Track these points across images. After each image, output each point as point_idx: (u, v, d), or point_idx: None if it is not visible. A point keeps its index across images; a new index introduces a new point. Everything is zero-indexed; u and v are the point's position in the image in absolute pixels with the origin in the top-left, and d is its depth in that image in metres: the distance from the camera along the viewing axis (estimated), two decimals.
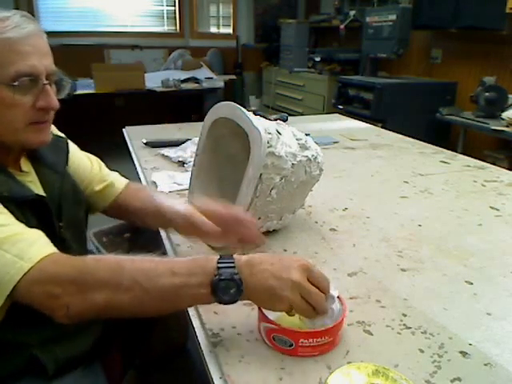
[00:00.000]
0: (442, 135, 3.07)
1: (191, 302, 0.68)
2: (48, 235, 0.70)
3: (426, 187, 1.34)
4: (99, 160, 1.04)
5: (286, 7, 5.14)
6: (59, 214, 0.83)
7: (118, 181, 1.03)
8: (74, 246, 0.85)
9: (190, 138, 1.65)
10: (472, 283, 0.83)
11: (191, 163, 1.10)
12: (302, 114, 4.03)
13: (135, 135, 1.83)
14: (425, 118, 3.15)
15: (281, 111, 3.84)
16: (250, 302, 0.66)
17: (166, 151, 1.57)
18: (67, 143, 0.94)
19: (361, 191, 1.30)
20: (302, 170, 0.94)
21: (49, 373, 0.76)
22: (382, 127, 2.39)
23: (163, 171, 1.39)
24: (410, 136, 1.98)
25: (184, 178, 1.27)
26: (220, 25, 5.46)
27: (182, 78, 4.10)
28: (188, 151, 1.53)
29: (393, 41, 3.37)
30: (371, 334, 0.68)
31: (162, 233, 1.02)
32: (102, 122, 4.09)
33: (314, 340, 0.62)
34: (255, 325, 0.68)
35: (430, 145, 1.85)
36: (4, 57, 0.69)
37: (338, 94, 3.67)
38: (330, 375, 0.58)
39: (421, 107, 3.24)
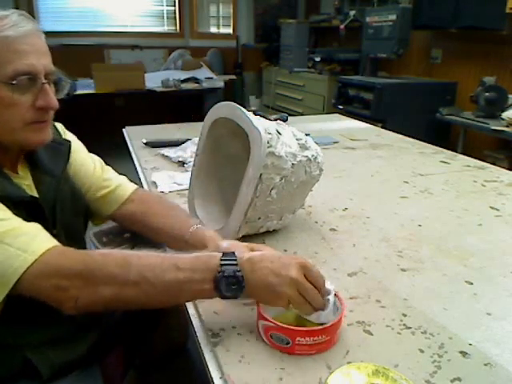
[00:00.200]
0: (442, 135, 3.07)
1: (194, 297, 0.70)
2: None
3: (425, 187, 1.34)
4: (104, 164, 1.00)
5: (286, 7, 5.15)
6: (53, 219, 0.82)
7: (124, 187, 0.97)
8: None
9: (190, 138, 1.65)
10: (472, 283, 0.83)
11: (191, 163, 1.10)
12: (302, 114, 4.03)
13: (135, 135, 1.83)
14: (425, 117, 3.15)
15: (281, 111, 3.83)
16: (249, 301, 0.67)
17: (166, 151, 1.57)
18: (69, 148, 0.90)
19: (361, 191, 1.30)
20: (302, 170, 0.94)
21: (43, 377, 0.76)
22: (382, 127, 2.39)
23: (163, 171, 1.39)
24: (410, 136, 1.98)
25: (184, 178, 1.27)
26: (220, 25, 5.46)
27: (182, 78, 4.10)
28: (188, 151, 1.53)
29: (393, 41, 3.37)
30: (371, 334, 0.68)
31: None
32: (102, 121, 4.08)
33: (311, 338, 0.62)
34: (255, 325, 0.68)
35: (429, 145, 1.85)
36: (2, 55, 0.69)
37: (337, 94, 3.67)
38: (329, 375, 0.58)
39: (421, 107, 3.23)
